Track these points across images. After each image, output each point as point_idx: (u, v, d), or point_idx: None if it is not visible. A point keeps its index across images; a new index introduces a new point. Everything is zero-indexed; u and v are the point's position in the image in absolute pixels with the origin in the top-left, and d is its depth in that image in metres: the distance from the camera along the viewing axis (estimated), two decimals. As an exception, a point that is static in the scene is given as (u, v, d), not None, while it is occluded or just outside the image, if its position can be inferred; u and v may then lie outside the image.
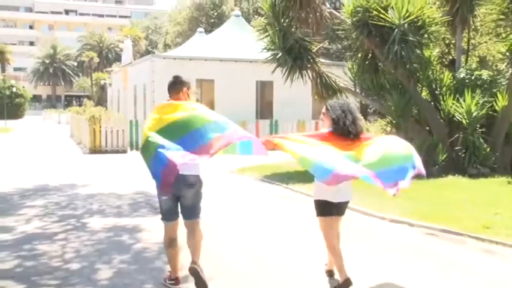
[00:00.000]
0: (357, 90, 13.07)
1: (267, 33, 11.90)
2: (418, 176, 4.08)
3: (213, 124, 3.87)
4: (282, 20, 11.74)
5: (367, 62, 11.91)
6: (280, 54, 11.68)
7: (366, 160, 4.04)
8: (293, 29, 11.85)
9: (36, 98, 74.41)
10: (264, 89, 21.78)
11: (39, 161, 15.04)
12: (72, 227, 6.59)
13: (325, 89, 12.27)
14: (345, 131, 4.25)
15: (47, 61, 75.23)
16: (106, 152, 17.56)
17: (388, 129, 12.33)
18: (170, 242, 4.29)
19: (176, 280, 4.37)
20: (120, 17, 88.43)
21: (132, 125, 18.33)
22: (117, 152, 17.61)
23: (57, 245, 5.70)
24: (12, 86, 53.40)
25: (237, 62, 21.06)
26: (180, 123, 3.88)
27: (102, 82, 51.45)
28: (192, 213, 4.23)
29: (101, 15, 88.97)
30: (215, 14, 46.80)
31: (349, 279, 4.22)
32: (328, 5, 13.86)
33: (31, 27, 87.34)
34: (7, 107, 44.12)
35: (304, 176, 10.76)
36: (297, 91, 15.33)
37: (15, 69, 74.00)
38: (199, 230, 4.28)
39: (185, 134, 3.83)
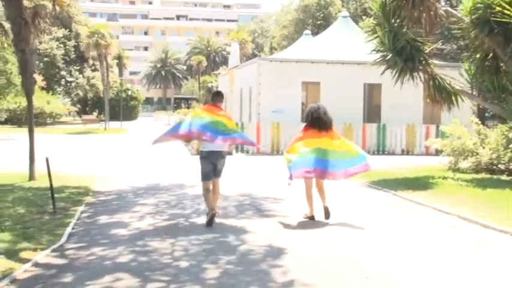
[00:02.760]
0: (474, 92, 12.33)
1: (376, 34, 11.61)
2: None
3: (236, 131, 7.41)
4: (393, 20, 11.40)
5: (487, 63, 11.20)
6: (390, 55, 11.36)
7: (332, 149, 7.11)
8: (404, 29, 11.47)
9: (148, 101, 79.19)
10: (371, 92, 21.21)
11: (150, 161, 15.94)
12: (181, 226, 6.91)
13: (438, 91, 11.72)
14: (314, 124, 7.21)
15: (159, 65, 79.92)
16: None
17: (511, 135, 11.50)
18: (207, 190, 7.11)
19: (212, 211, 7.01)
20: (228, 21, 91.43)
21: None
22: (223, 154, 18.06)
23: (167, 242, 5.98)
24: (128, 89, 57.09)
25: (344, 64, 20.72)
26: (222, 123, 7.03)
27: (209, 85, 53.25)
28: (219, 173, 7.19)
29: (210, 20, 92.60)
30: (321, 15, 46.72)
31: (313, 216, 7.27)
32: (443, 3, 13.22)
33: (146, 33, 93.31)
34: (123, 109, 47.30)
35: (414, 183, 10.48)
36: (407, 94, 14.80)
37: (131, 73, 79.42)
38: (219, 186, 7.23)
39: (223, 129, 6.95)
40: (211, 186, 7.10)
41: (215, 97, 7.38)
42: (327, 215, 7.14)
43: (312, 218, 7.27)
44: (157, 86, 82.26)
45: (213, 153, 7.03)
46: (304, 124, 7.49)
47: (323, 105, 7.44)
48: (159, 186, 10.60)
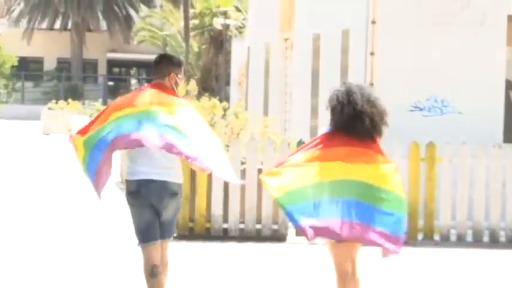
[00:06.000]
0: None
1: None
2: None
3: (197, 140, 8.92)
4: None
5: None
6: None
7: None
8: None
9: (26, 68, 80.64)
10: None
11: (30, 258, 14.93)
12: None
13: None
14: (344, 127, 8.35)
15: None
16: (222, 236, 17.36)
17: None
18: (153, 270, 8.85)
19: None
20: None
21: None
22: (255, 236, 17.30)
23: None
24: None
25: None
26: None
27: (217, 22, 52.38)
28: (170, 230, 9.27)
29: None
30: None
31: None
32: None
33: None
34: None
35: None
36: None
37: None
38: (167, 256, 9.22)
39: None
40: (159, 258, 8.70)
41: (158, 68, 9.06)
42: None
43: None
44: (55, 25, 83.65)
45: (148, 184, 8.44)
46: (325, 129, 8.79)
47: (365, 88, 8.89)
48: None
